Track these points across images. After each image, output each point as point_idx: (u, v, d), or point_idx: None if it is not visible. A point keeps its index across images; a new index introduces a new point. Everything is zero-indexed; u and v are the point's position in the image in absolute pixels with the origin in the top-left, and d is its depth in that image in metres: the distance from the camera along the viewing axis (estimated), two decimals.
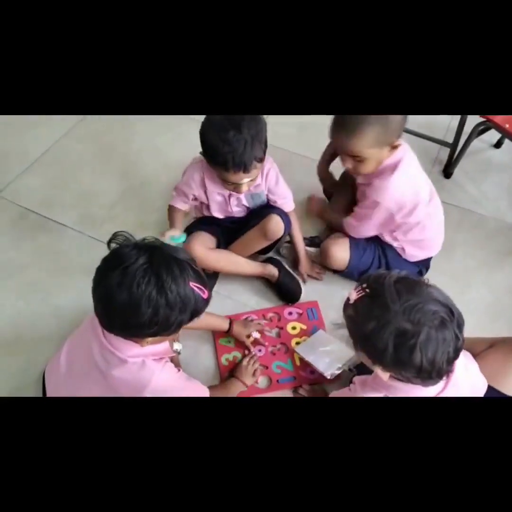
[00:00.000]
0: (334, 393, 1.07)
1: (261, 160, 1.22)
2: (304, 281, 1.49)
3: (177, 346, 1.28)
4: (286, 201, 1.43)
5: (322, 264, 1.50)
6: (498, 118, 1.57)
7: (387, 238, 1.39)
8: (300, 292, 1.45)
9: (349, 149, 1.19)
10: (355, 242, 1.42)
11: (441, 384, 0.86)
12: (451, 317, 0.78)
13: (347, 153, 1.21)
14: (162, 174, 1.81)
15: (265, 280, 1.49)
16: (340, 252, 1.42)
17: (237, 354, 1.35)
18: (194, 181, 1.35)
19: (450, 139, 1.75)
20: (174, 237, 1.31)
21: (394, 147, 1.21)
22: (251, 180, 1.27)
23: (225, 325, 1.32)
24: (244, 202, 1.40)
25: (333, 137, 1.23)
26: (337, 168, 1.44)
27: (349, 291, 0.88)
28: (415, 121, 1.60)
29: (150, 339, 0.89)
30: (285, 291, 1.45)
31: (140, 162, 1.85)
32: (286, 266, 1.49)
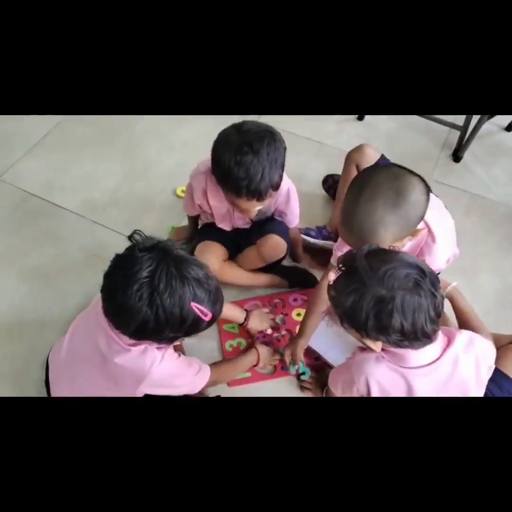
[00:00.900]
0: (333, 371, 1.07)
1: (277, 187, 1.11)
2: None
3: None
4: (293, 218, 1.33)
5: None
6: None
7: None
8: (316, 280, 1.43)
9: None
10: None
11: (437, 351, 0.89)
12: (423, 276, 0.80)
13: None
14: (165, 156, 1.78)
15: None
16: None
17: (241, 341, 1.34)
18: (196, 191, 1.25)
19: (460, 122, 1.70)
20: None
21: (415, 235, 1.01)
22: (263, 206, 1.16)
23: (241, 318, 1.31)
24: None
25: (344, 238, 1.04)
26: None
27: None
28: None
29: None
30: (302, 283, 1.45)
31: (143, 144, 1.82)
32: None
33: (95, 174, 1.73)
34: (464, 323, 1.08)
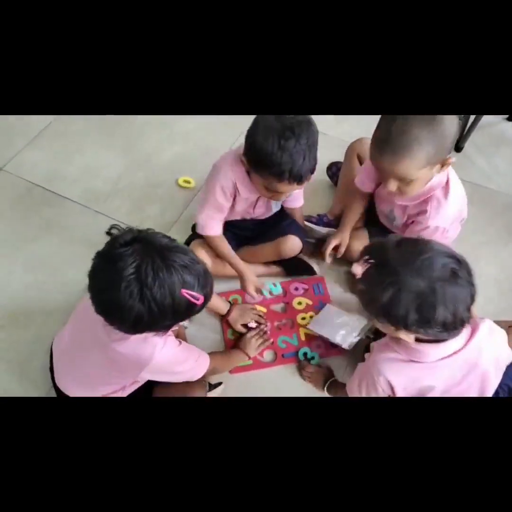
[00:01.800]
0: (351, 379, 1.03)
1: (314, 170, 1.12)
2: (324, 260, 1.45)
3: (184, 321, 1.28)
4: (299, 198, 1.39)
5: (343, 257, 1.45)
6: None
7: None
8: (311, 268, 1.44)
9: (397, 172, 1.05)
10: (375, 230, 1.40)
11: (461, 340, 0.86)
12: (460, 265, 0.78)
13: (393, 176, 1.07)
14: (166, 147, 1.78)
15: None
16: (360, 246, 1.38)
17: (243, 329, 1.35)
18: (225, 191, 1.23)
19: None
20: (271, 286, 1.34)
21: (446, 165, 1.07)
22: None
23: (224, 309, 1.33)
24: (272, 202, 1.35)
25: (375, 159, 1.08)
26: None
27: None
28: None
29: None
30: (299, 270, 1.46)
31: (144, 135, 1.82)
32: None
33: (97, 164, 1.73)
34: None
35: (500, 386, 0.95)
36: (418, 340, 0.85)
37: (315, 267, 1.45)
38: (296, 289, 1.44)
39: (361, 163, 1.48)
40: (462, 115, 1.69)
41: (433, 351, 0.86)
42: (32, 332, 1.34)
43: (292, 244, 1.36)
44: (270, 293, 1.40)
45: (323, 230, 1.51)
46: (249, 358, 1.27)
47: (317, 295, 1.42)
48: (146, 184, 1.68)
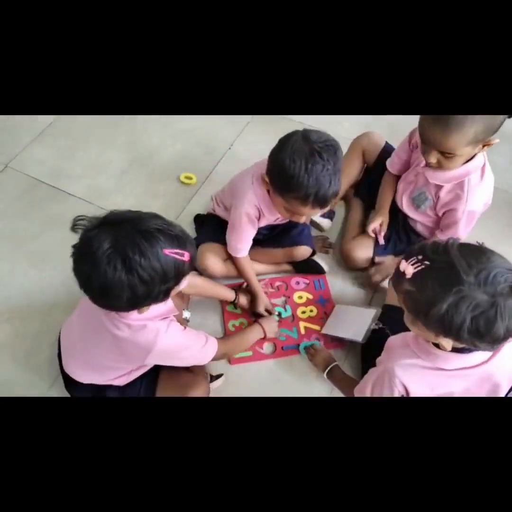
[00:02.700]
0: (368, 375, 0.99)
1: (337, 195, 1.13)
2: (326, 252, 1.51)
3: (186, 314, 1.31)
4: None
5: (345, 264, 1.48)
6: None
7: (421, 230, 1.40)
8: (320, 267, 1.46)
9: (445, 145, 1.07)
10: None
11: (488, 354, 0.85)
12: None
13: (437, 148, 1.10)
14: (169, 144, 1.80)
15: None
16: (363, 254, 1.42)
17: (244, 321, 1.38)
18: (251, 217, 1.25)
19: None
20: (281, 310, 1.36)
21: (488, 145, 1.10)
22: None
23: (231, 296, 1.35)
24: None
25: (424, 129, 1.10)
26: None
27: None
28: None
29: (145, 307, 0.90)
30: (309, 270, 1.48)
31: (147, 132, 1.85)
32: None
33: (101, 161, 1.76)
34: None
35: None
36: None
37: (321, 263, 1.47)
38: (297, 283, 1.46)
39: (364, 160, 1.50)
40: None
41: (457, 359, 0.84)
42: (37, 325, 1.36)
43: (303, 252, 1.41)
44: (279, 315, 1.39)
45: (323, 221, 1.54)
46: (265, 336, 1.29)
47: (317, 290, 1.44)
48: (149, 181, 1.70)
